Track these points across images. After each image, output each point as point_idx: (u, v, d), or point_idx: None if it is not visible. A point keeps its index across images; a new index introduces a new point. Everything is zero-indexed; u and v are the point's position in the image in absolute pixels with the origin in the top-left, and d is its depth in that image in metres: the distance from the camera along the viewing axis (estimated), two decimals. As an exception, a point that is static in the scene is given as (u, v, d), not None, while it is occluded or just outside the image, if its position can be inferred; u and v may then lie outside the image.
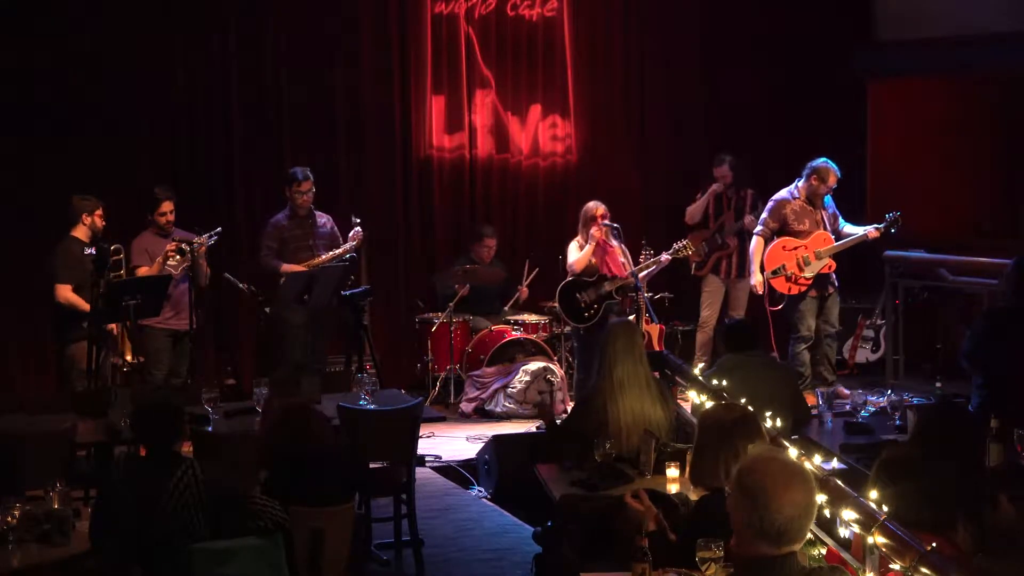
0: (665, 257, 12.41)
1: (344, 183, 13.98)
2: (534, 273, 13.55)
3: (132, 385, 10.43)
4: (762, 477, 4.24)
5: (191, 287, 11.12)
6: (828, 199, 12.30)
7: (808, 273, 12.14)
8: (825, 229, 12.15)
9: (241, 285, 11.60)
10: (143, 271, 11.05)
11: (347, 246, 12.09)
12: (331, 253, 12.01)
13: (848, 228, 12.27)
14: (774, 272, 12.28)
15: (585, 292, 12.32)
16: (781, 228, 12.22)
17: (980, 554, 5.23)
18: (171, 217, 11.34)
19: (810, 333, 12.30)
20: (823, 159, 12.18)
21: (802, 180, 12.22)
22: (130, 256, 11.22)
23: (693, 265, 13.46)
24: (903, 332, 13.25)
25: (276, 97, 13.75)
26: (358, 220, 12.18)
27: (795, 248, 12.16)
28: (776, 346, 12.80)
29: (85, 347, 10.54)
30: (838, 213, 12.35)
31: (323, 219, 12.28)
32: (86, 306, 10.66)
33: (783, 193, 12.31)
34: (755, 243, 12.37)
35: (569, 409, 11.70)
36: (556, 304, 12.62)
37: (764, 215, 12.39)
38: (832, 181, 12.11)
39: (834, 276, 12.30)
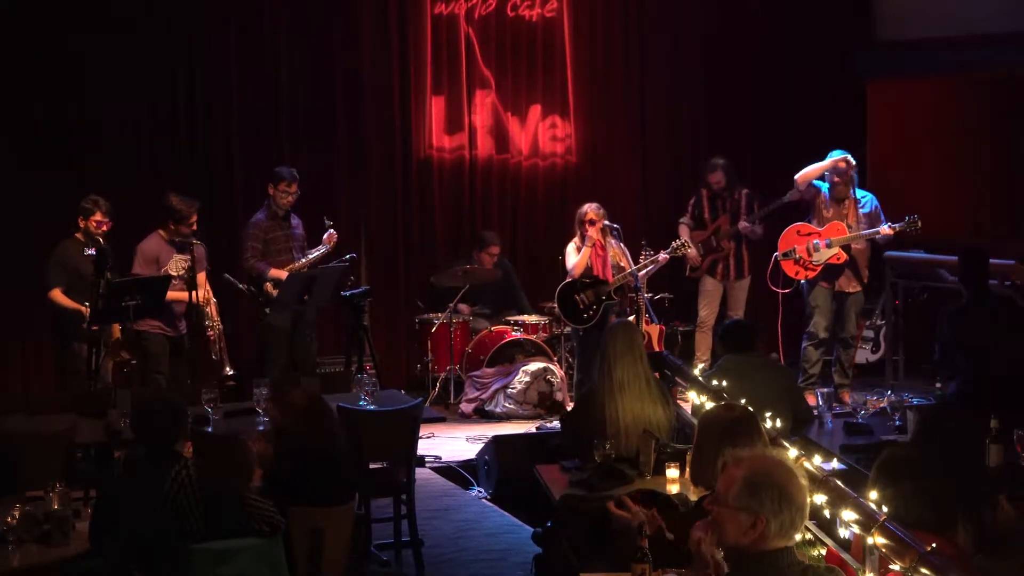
0: (663, 256, 12.45)
1: (344, 183, 14.00)
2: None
3: (132, 386, 10.42)
4: (778, 476, 4.37)
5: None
6: (869, 199, 12.24)
7: (816, 259, 12.14)
8: (846, 222, 12.11)
9: (241, 286, 11.60)
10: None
11: (322, 249, 12.03)
12: (309, 257, 11.97)
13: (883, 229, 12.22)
14: (785, 255, 12.32)
15: (584, 293, 12.33)
16: (808, 209, 12.27)
17: (980, 554, 5.23)
18: (196, 227, 11.33)
19: (816, 331, 12.29)
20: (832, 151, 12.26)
21: None
22: (132, 260, 11.20)
23: (688, 266, 13.46)
24: (903, 333, 13.25)
25: (276, 97, 13.77)
26: (331, 222, 12.13)
27: (808, 234, 12.19)
28: (782, 340, 12.80)
29: (85, 348, 10.55)
30: (882, 216, 12.22)
31: (296, 221, 12.22)
32: (76, 306, 10.67)
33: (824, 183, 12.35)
34: (806, 169, 12.37)
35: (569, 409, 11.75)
36: (555, 305, 12.64)
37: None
38: (841, 166, 12.11)
39: (857, 273, 12.25)
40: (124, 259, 11.15)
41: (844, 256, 12.13)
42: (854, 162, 12.22)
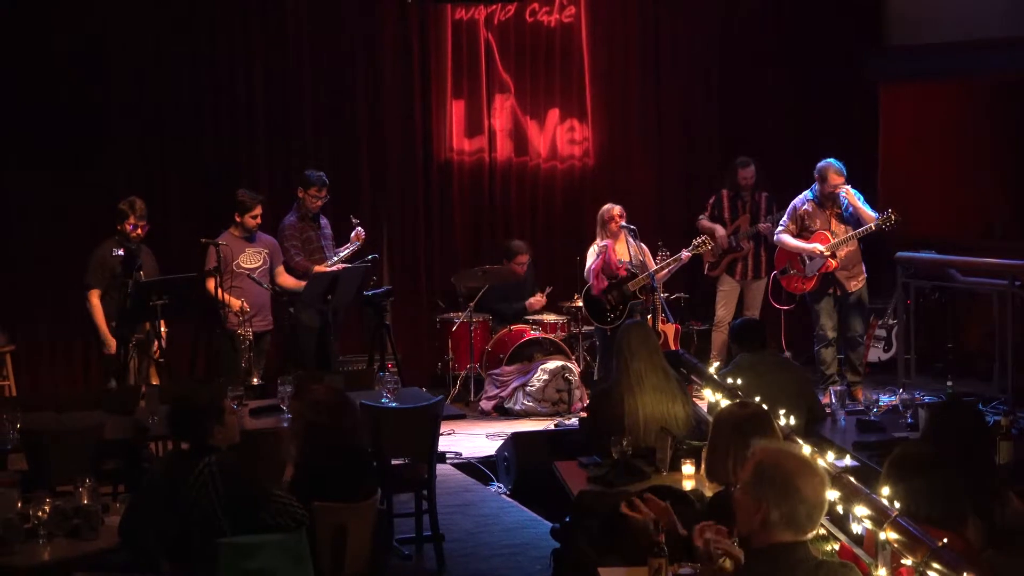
0: (685, 254, 12.54)
1: (366, 185, 14.12)
2: (549, 289, 13.74)
3: (162, 383, 10.53)
4: (787, 467, 4.44)
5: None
6: (853, 200, 12.29)
7: (808, 271, 12.26)
8: (830, 229, 12.18)
9: (265, 285, 11.68)
10: (210, 283, 11.20)
11: (352, 247, 12.19)
12: (340, 255, 12.11)
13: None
14: (782, 271, 12.47)
15: (609, 293, 12.47)
16: (800, 229, 12.32)
17: (990, 550, 5.33)
18: (260, 220, 11.58)
19: (824, 332, 12.36)
20: (826, 159, 12.24)
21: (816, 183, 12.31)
22: (206, 258, 11.33)
23: (706, 266, 13.58)
24: (914, 332, 13.32)
25: (299, 100, 13.91)
26: (357, 220, 12.27)
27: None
28: (787, 346, 12.94)
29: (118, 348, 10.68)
30: (867, 207, 12.19)
31: (324, 220, 12.36)
32: (103, 323, 10.83)
33: (800, 196, 12.40)
34: (784, 239, 12.44)
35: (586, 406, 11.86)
36: (581, 305, 12.77)
37: (784, 217, 12.49)
38: (833, 179, 12.03)
39: (851, 273, 12.28)
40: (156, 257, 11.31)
41: (833, 264, 12.18)
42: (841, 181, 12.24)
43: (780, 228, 12.48)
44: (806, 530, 4.43)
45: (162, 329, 10.83)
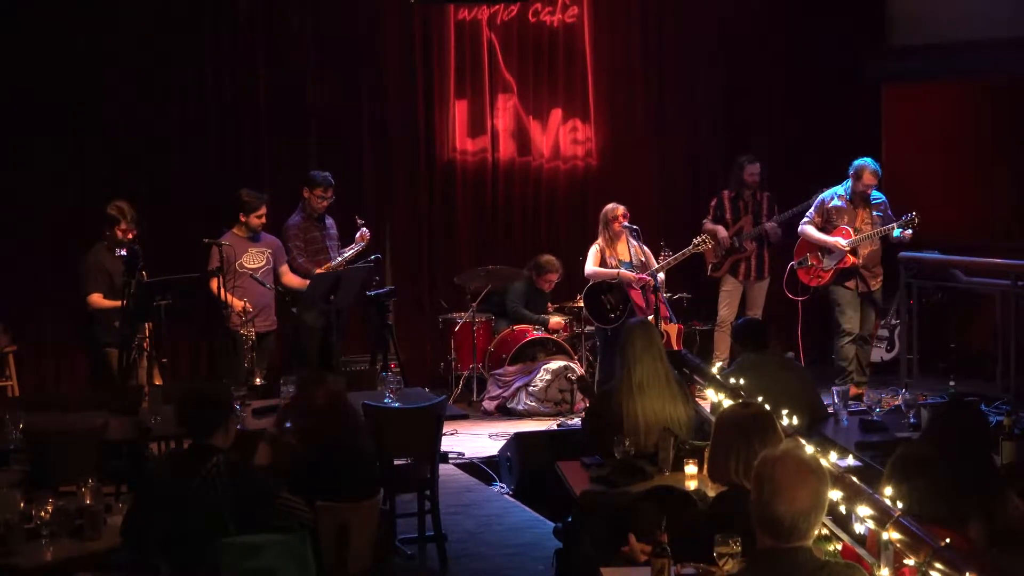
0: (687, 250, 12.52)
1: (369, 185, 14.13)
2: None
3: (165, 383, 10.51)
4: (772, 469, 4.36)
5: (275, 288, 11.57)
6: (879, 199, 12.35)
7: (826, 265, 12.30)
8: (854, 226, 12.23)
9: (268, 286, 11.67)
10: (213, 283, 11.20)
11: (356, 247, 12.15)
12: (345, 256, 12.10)
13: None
14: (800, 263, 12.53)
15: (610, 294, 12.47)
16: (824, 223, 12.38)
17: (993, 550, 5.33)
18: (265, 219, 11.58)
19: (852, 327, 12.48)
20: (861, 158, 12.33)
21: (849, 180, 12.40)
22: (209, 258, 11.34)
23: (709, 267, 13.58)
24: (917, 332, 13.31)
25: (302, 100, 13.92)
26: (362, 221, 12.24)
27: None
28: (802, 340, 12.93)
29: (116, 353, 10.66)
30: (890, 213, 12.35)
31: (329, 221, 12.33)
32: (117, 304, 10.80)
33: (830, 191, 12.47)
34: (808, 230, 12.51)
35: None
36: (582, 305, 12.77)
37: (810, 210, 12.55)
38: (867, 179, 12.20)
39: (871, 273, 12.39)
40: (157, 259, 11.23)
41: (852, 259, 12.24)
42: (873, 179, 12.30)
43: (805, 220, 12.58)
44: (787, 537, 4.33)
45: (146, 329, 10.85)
